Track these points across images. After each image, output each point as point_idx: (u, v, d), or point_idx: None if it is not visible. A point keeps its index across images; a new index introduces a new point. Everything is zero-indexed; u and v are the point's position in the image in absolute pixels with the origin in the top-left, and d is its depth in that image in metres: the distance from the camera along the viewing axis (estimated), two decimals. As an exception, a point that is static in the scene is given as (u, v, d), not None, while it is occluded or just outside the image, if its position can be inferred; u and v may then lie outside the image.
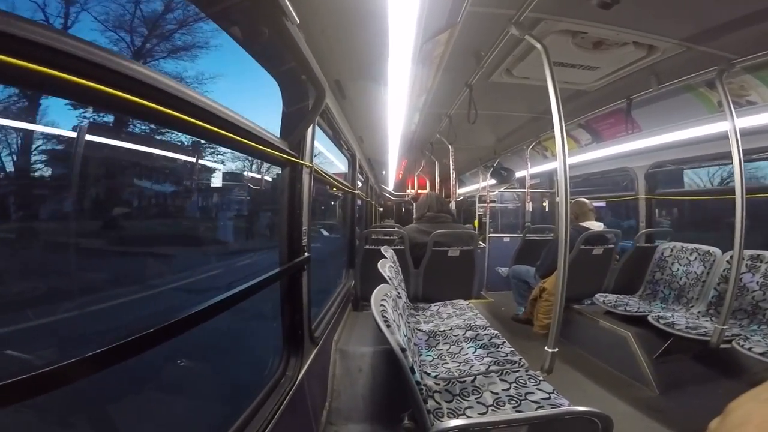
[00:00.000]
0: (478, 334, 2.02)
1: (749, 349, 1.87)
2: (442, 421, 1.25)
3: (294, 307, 1.56)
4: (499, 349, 1.83)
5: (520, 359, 1.69)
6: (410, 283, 2.87)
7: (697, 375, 2.29)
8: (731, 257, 2.05)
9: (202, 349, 3.38)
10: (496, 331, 2.04)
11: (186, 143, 8.13)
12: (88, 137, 4.75)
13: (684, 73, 2.07)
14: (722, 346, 1.99)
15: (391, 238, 3.46)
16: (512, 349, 1.82)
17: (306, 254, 1.60)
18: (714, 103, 2.26)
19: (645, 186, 3.52)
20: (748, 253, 2.37)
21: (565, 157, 1.51)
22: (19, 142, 4.50)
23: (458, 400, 1.43)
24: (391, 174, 7.05)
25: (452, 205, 4.46)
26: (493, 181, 5.34)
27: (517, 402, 1.38)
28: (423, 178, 7.95)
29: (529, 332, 3.11)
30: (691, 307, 2.65)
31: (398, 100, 2.28)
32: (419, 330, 2.18)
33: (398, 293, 1.54)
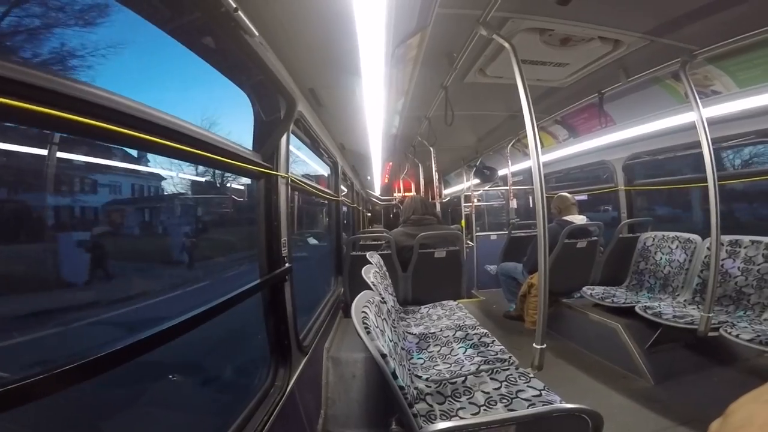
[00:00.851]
0: (468, 334, 2.03)
1: (737, 336, 1.88)
2: (434, 423, 1.24)
3: (278, 317, 1.56)
4: (488, 348, 1.83)
5: (510, 357, 1.69)
6: (399, 286, 2.87)
7: (690, 364, 2.30)
8: (711, 244, 2.09)
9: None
10: (485, 330, 2.05)
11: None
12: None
13: (650, 66, 2.12)
14: (710, 333, 1.99)
15: (379, 243, 3.46)
16: (502, 347, 1.82)
17: (287, 265, 1.59)
18: (681, 94, 2.32)
19: (624, 177, 3.59)
20: (726, 238, 2.41)
21: (539, 154, 1.52)
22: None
23: (450, 401, 1.43)
24: (377, 178, 7.05)
25: (438, 207, 4.48)
26: (477, 181, 5.38)
27: (508, 400, 1.38)
28: (408, 181, 7.98)
29: (521, 328, 3.13)
30: (677, 295, 2.68)
31: (376, 104, 2.28)
32: (410, 333, 2.18)
33: (382, 298, 1.54)
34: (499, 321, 3.52)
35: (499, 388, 1.48)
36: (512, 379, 1.53)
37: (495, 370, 1.60)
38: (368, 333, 1.04)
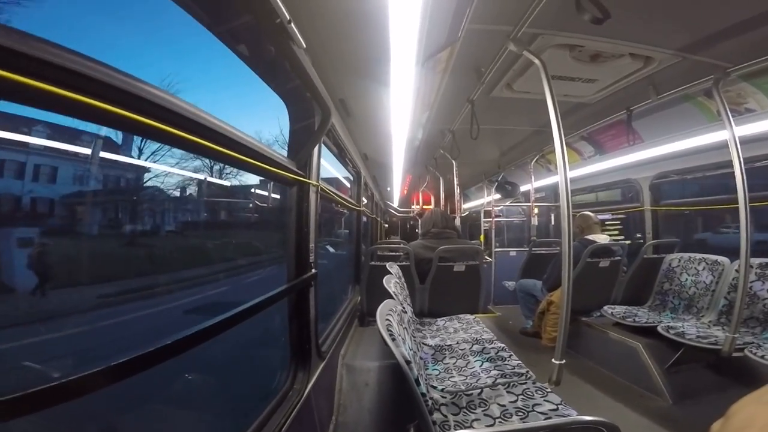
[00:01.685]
0: (485, 347, 2.01)
1: (762, 357, 1.84)
2: None
3: (302, 321, 1.58)
4: (506, 362, 1.81)
5: (527, 371, 1.67)
6: (416, 298, 2.87)
7: (710, 384, 2.24)
8: (740, 266, 2.03)
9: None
10: (503, 345, 2.03)
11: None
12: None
13: (681, 83, 2.10)
14: (734, 354, 1.96)
15: (397, 254, 3.48)
16: (519, 361, 1.80)
17: (313, 271, 1.62)
18: (713, 111, 2.28)
19: (650, 197, 3.50)
20: (757, 261, 2.34)
21: (566, 170, 1.52)
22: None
23: (465, 412, 1.42)
24: (396, 190, 7.09)
25: (457, 221, 4.47)
26: (498, 196, 5.35)
27: (524, 414, 1.37)
28: (428, 193, 7.98)
29: (538, 345, 3.07)
30: (702, 316, 2.60)
31: (401, 116, 2.32)
32: (425, 344, 2.17)
33: (403, 308, 1.55)
34: (515, 337, 3.46)
35: (515, 401, 1.46)
36: (529, 393, 1.51)
37: (512, 383, 1.58)
38: (393, 340, 1.05)
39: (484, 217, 5.50)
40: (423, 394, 1.02)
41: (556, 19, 1.56)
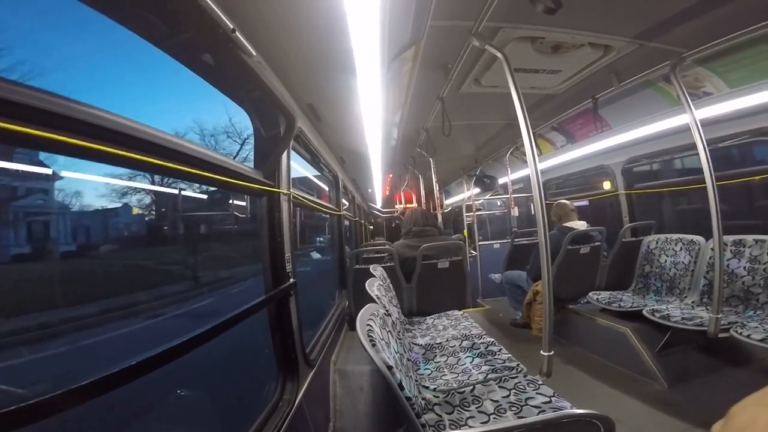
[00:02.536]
0: (474, 343, 2.01)
1: (748, 336, 1.85)
2: None
3: (285, 331, 1.56)
4: (496, 357, 1.81)
5: (518, 365, 1.67)
6: (404, 298, 2.86)
7: (702, 365, 2.26)
8: (714, 245, 2.07)
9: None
10: (492, 339, 2.03)
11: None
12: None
13: (641, 70, 2.15)
14: (721, 334, 1.97)
15: (382, 255, 3.46)
16: (509, 355, 1.81)
17: (291, 280, 1.60)
18: (673, 96, 2.34)
19: (624, 181, 3.60)
20: (730, 238, 2.40)
21: (536, 161, 1.54)
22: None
23: (459, 411, 1.41)
24: (378, 191, 7.08)
25: (439, 218, 4.48)
26: (478, 190, 5.41)
27: (518, 408, 1.37)
28: (409, 192, 8.00)
29: (529, 336, 3.09)
30: (685, 297, 2.65)
31: (374, 117, 2.31)
32: (416, 344, 2.16)
33: (387, 311, 1.54)
34: (505, 329, 3.49)
35: (508, 396, 1.46)
36: (521, 386, 1.51)
37: (503, 378, 1.59)
38: (374, 346, 1.04)
39: (466, 212, 5.55)
40: (408, 398, 1.00)
41: (514, 12, 1.58)
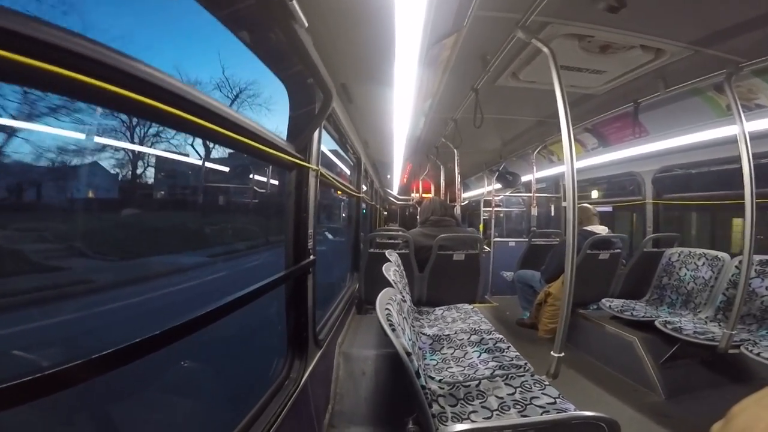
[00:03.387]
0: (483, 338, 2.01)
1: (758, 354, 1.85)
2: (446, 425, 1.24)
3: (299, 309, 1.56)
4: (504, 354, 1.82)
5: (525, 363, 1.68)
6: (415, 286, 2.87)
7: (705, 380, 2.27)
8: (740, 262, 2.03)
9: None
10: (501, 336, 2.03)
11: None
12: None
13: (692, 77, 2.06)
14: (731, 351, 1.97)
15: (396, 242, 3.46)
16: (517, 353, 1.81)
17: (312, 257, 1.60)
18: (722, 106, 2.24)
19: (652, 190, 3.49)
20: (757, 258, 2.34)
21: (573, 162, 1.50)
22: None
23: (463, 404, 1.43)
24: (396, 178, 7.05)
25: (457, 210, 4.45)
26: (499, 186, 5.33)
27: (522, 406, 1.37)
28: (428, 182, 7.94)
29: (534, 337, 3.09)
30: (699, 312, 2.62)
31: (404, 103, 2.28)
32: (423, 334, 2.18)
33: (403, 297, 1.54)
34: (511, 328, 3.49)
35: (513, 393, 1.47)
36: (527, 385, 1.51)
37: (510, 375, 1.59)
38: (393, 330, 1.04)
39: (484, 207, 5.49)
40: (423, 387, 1.01)
41: (566, 8, 1.52)
